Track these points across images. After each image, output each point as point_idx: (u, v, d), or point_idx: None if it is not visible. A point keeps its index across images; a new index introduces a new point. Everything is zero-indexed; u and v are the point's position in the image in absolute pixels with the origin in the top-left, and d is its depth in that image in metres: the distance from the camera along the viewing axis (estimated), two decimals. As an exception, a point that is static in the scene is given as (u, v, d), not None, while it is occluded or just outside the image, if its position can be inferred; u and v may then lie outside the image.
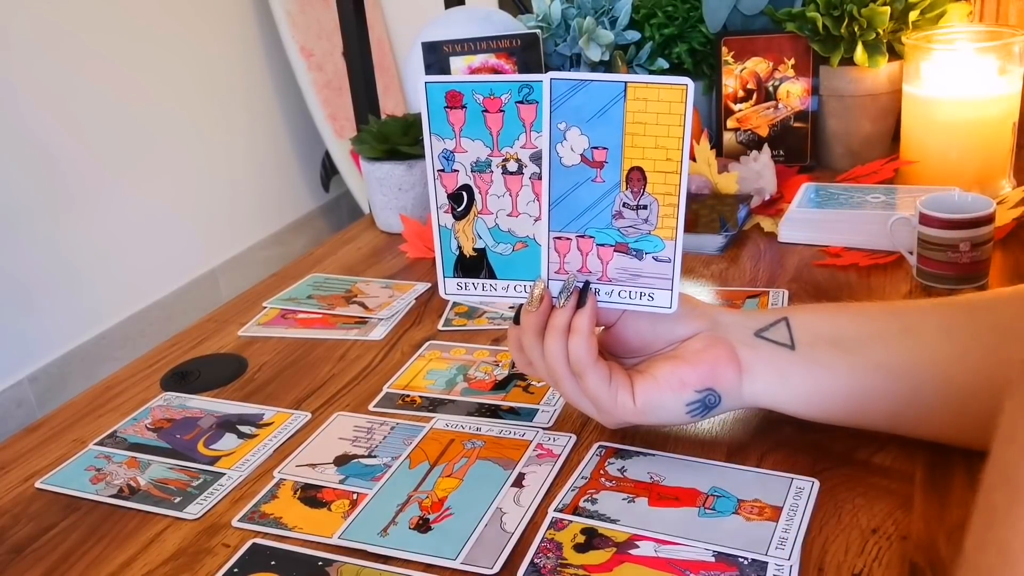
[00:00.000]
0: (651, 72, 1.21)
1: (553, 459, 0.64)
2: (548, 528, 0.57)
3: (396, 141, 1.10)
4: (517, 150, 0.59)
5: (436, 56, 1.12)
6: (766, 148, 1.10)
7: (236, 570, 0.56)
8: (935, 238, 0.82)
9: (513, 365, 0.77)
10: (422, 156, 1.06)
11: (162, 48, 2.58)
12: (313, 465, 0.66)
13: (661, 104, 0.55)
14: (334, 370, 0.80)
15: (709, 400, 0.59)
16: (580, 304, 0.59)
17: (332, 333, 0.87)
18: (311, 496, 0.62)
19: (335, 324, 0.89)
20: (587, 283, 0.59)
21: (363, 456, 0.66)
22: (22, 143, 2.20)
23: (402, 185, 1.09)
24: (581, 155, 0.58)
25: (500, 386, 0.74)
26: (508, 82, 0.58)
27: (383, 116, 1.22)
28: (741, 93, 1.18)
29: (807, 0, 1.13)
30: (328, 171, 3.17)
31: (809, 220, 0.97)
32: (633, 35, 1.21)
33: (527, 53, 1.13)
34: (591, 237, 0.59)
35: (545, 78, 0.57)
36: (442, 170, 0.61)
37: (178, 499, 0.64)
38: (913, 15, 1.10)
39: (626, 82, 0.56)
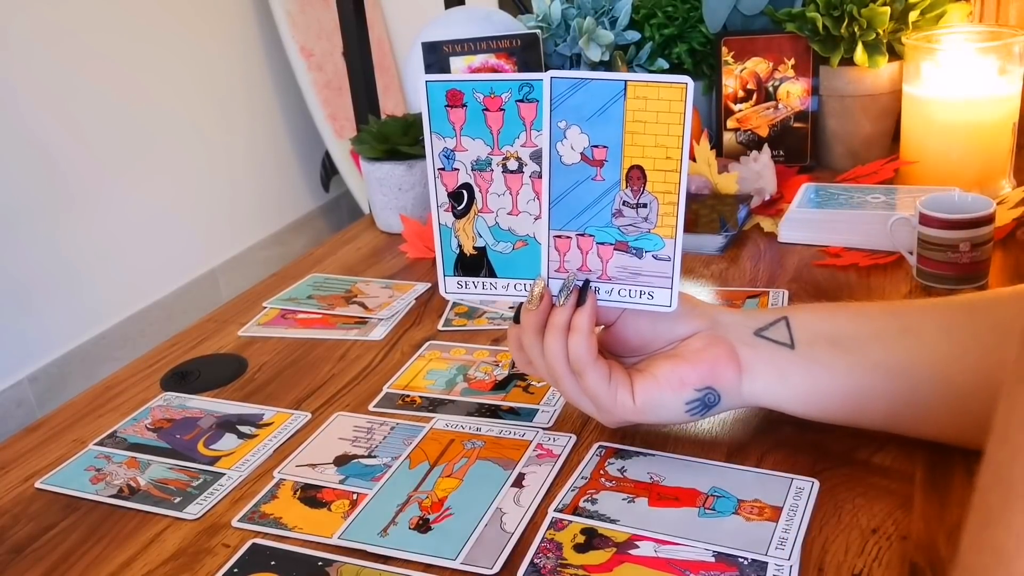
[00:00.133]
0: (651, 72, 1.21)
1: (553, 459, 0.64)
2: (548, 528, 0.57)
3: (396, 141, 1.10)
4: (517, 149, 0.59)
5: (436, 56, 1.12)
6: (766, 148, 1.10)
7: (236, 570, 0.56)
8: (935, 238, 0.82)
9: (513, 365, 0.77)
10: (422, 156, 1.06)
11: (162, 48, 2.58)
12: (313, 465, 0.66)
13: (661, 103, 0.55)
14: (334, 370, 0.80)
15: (709, 399, 0.59)
16: (580, 302, 0.59)
17: (332, 333, 0.87)
18: (311, 496, 0.62)
19: (335, 324, 0.89)
20: (587, 281, 0.59)
21: (363, 456, 0.66)
22: (22, 143, 2.20)
23: (402, 185, 1.09)
24: (581, 153, 0.57)
25: (500, 386, 0.74)
26: (509, 81, 0.58)
27: (383, 116, 1.22)
28: (741, 93, 1.18)
29: (807, 0, 1.13)
30: (328, 171, 3.17)
31: (809, 220, 0.97)
32: (633, 35, 1.21)
33: (527, 53, 1.13)
34: (591, 235, 0.59)
35: (545, 77, 0.57)
36: (442, 169, 0.61)
37: (178, 499, 0.64)
38: (913, 15, 1.10)
39: (626, 80, 0.56)
